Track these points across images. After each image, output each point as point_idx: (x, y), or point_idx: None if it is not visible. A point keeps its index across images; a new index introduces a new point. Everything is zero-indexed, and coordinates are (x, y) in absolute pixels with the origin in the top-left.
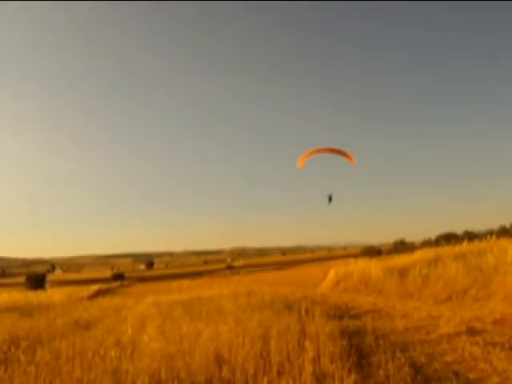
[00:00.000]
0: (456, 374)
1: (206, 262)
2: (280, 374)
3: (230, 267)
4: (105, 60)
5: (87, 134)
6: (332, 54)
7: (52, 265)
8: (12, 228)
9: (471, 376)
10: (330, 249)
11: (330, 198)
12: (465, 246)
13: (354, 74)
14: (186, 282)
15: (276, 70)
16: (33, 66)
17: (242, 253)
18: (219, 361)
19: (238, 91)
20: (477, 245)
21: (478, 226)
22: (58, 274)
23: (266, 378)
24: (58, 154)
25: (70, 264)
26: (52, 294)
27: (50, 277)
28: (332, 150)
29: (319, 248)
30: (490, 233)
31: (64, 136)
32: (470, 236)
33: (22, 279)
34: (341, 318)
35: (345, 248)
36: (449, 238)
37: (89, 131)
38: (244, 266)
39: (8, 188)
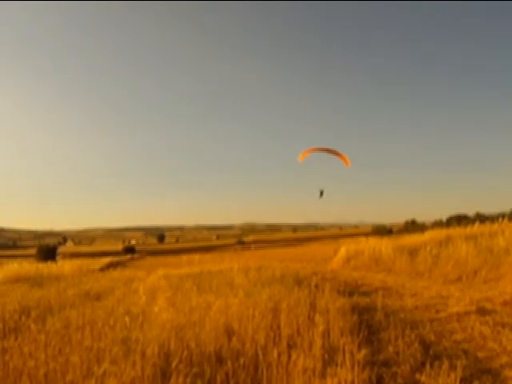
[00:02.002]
0: (465, 352)
1: (218, 237)
2: (290, 346)
3: (240, 242)
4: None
5: (99, 108)
6: None
7: (63, 237)
8: (24, 200)
9: (480, 355)
10: (341, 227)
11: (322, 193)
12: (476, 228)
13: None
14: (196, 256)
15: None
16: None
17: (252, 228)
18: (229, 332)
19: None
20: (488, 227)
21: (490, 209)
22: (69, 246)
23: (275, 350)
24: (69, 127)
25: (81, 237)
26: (63, 266)
27: (61, 249)
28: (329, 151)
29: (330, 226)
30: (502, 215)
31: (77, 110)
32: (482, 218)
33: (33, 251)
34: (351, 294)
35: (356, 226)
36: (460, 220)
37: (102, 106)
38: (255, 242)
39: (20, 160)
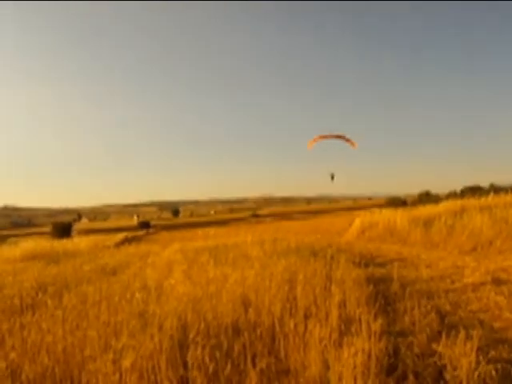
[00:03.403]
0: (481, 322)
1: (231, 210)
2: (306, 317)
3: (255, 215)
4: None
5: (116, 79)
6: None
7: (78, 214)
8: (38, 178)
9: (496, 325)
10: (355, 199)
11: (332, 177)
12: (490, 199)
13: None
14: (211, 230)
15: None
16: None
17: (267, 201)
18: (245, 304)
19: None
20: (502, 198)
21: (504, 180)
22: (84, 222)
23: (292, 321)
24: (83, 102)
25: (96, 213)
26: (78, 242)
27: (76, 226)
28: (337, 136)
29: (344, 198)
30: None
31: (91, 84)
32: (496, 189)
33: (48, 228)
34: (366, 265)
35: (370, 198)
36: (474, 191)
37: (120, 77)
38: (269, 215)
39: (34, 137)
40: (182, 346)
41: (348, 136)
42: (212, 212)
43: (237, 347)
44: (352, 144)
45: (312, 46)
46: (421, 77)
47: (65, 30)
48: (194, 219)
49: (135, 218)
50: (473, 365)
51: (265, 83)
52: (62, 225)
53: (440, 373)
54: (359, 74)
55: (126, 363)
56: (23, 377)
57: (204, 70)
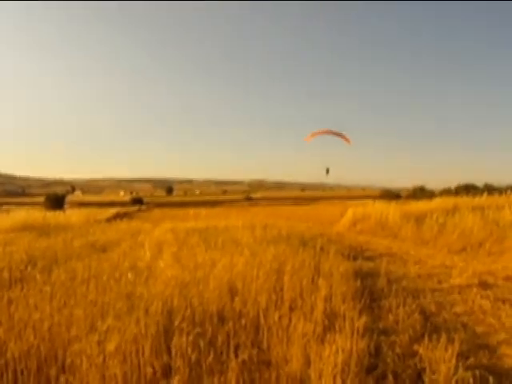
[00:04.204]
0: (464, 326)
1: (224, 192)
2: (292, 309)
3: (248, 198)
4: None
5: (116, 54)
6: None
7: (72, 186)
8: (35, 148)
9: (479, 330)
10: (349, 189)
11: (328, 171)
12: (484, 199)
13: None
14: (203, 211)
15: None
16: None
17: (260, 185)
18: (232, 292)
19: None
20: (495, 199)
21: (499, 180)
22: (77, 195)
23: (277, 313)
24: (78, 75)
25: (89, 186)
26: (70, 215)
27: (69, 198)
28: (332, 133)
29: (338, 187)
30: (511, 188)
31: (90, 57)
32: (490, 189)
33: (41, 199)
34: (355, 258)
35: (364, 189)
36: (468, 189)
37: (117, 51)
38: (262, 199)
39: (30, 108)
40: (167, 331)
41: (344, 133)
42: (197, 192)
43: (221, 337)
44: (347, 140)
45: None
46: (421, 72)
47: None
48: (187, 198)
49: (121, 193)
50: (452, 370)
51: (264, 69)
52: (56, 196)
53: (419, 375)
54: (355, 64)
55: (111, 347)
56: (8, 354)
57: (209, 46)
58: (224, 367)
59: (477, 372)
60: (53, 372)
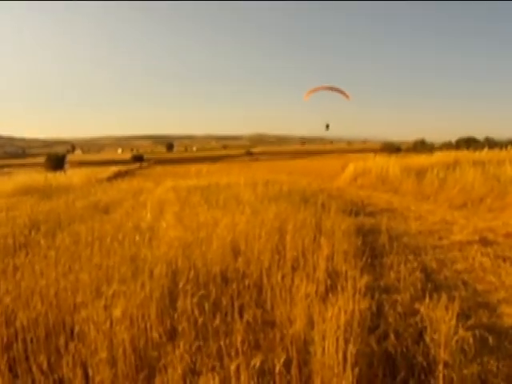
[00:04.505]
0: (465, 283)
1: (225, 147)
2: (294, 269)
3: (248, 153)
4: None
5: (108, 16)
6: None
7: (72, 145)
8: (32, 108)
9: (479, 287)
10: (349, 142)
11: (328, 126)
12: (484, 153)
13: None
14: (204, 167)
15: None
16: None
17: (261, 139)
18: (235, 252)
19: None
20: (496, 153)
21: (500, 134)
22: (77, 154)
23: (280, 272)
24: (81, 36)
25: (90, 145)
26: (71, 176)
27: (69, 157)
28: (331, 88)
29: (339, 140)
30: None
31: (86, 20)
32: (491, 143)
33: (42, 159)
34: (357, 214)
35: (364, 142)
36: (469, 143)
37: (114, 13)
38: (263, 153)
39: (30, 67)
40: (172, 294)
41: (342, 89)
42: (194, 148)
43: (225, 298)
44: (346, 96)
45: None
46: (421, 23)
47: None
48: (188, 154)
49: (119, 151)
50: (452, 330)
51: (263, 21)
52: (56, 156)
53: (420, 334)
54: (355, 18)
55: (117, 312)
56: (17, 323)
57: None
58: (229, 328)
59: (477, 332)
60: (61, 340)
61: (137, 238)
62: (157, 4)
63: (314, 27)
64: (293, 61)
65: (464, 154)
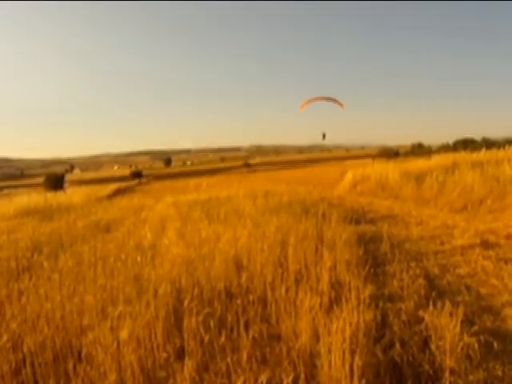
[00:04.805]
0: (468, 288)
1: (222, 160)
2: (298, 281)
3: (247, 165)
4: None
5: (107, 31)
6: None
7: (70, 165)
8: (30, 129)
9: (482, 291)
10: (347, 149)
11: (324, 136)
12: (482, 154)
13: None
14: (204, 180)
15: None
16: None
17: (259, 150)
18: (238, 267)
19: None
20: (494, 154)
21: (496, 131)
22: (76, 173)
23: (283, 286)
24: (75, 54)
25: (88, 163)
26: (71, 195)
27: (68, 177)
28: (325, 98)
29: (336, 147)
30: (509, 141)
31: (85, 34)
32: (488, 143)
33: (40, 180)
34: (357, 222)
35: (362, 148)
36: (466, 144)
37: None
38: (261, 164)
39: (26, 88)
40: (177, 312)
41: (337, 98)
42: (188, 163)
43: (230, 314)
44: (340, 105)
45: None
46: (415, 27)
47: None
48: (186, 168)
49: (116, 167)
50: (457, 337)
51: (258, 30)
52: (55, 176)
53: (426, 342)
54: (353, 24)
55: (124, 334)
56: (25, 348)
57: (203, 17)
58: (235, 345)
59: (481, 337)
60: (70, 363)
61: (139, 257)
62: (151, 20)
63: (309, 37)
64: (288, 70)
65: (462, 156)
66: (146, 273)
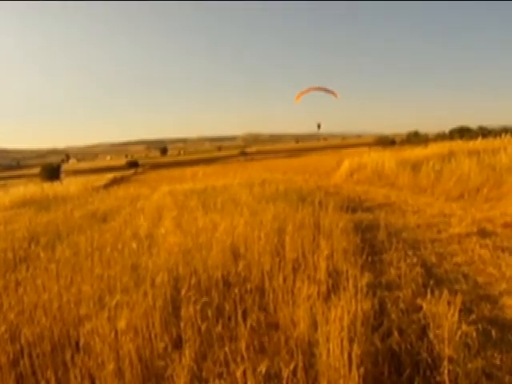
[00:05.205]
0: (465, 276)
1: (219, 148)
2: (295, 270)
3: (243, 153)
4: None
5: (103, 20)
6: None
7: (66, 155)
8: (26, 119)
9: (480, 280)
10: (343, 137)
11: (319, 126)
12: (478, 143)
13: None
14: (200, 169)
15: None
16: None
17: (255, 139)
18: (235, 256)
19: None
20: (491, 142)
21: (492, 121)
22: (72, 163)
23: (281, 275)
24: (71, 43)
25: (84, 153)
26: (68, 185)
27: (64, 166)
28: (320, 89)
29: (333, 136)
30: (505, 130)
31: (81, 24)
32: (484, 132)
33: (37, 170)
34: (354, 210)
35: (358, 136)
36: (462, 133)
37: (104, 19)
38: (257, 153)
39: (21, 78)
40: (175, 301)
41: (330, 88)
42: (181, 152)
43: (227, 303)
44: (334, 95)
45: None
46: (410, 13)
47: None
48: (182, 158)
49: (108, 158)
50: (455, 325)
51: (255, 19)
52: (51, 166)
53: (424, 330)
54: (347, 13)
55: (122, 323)
56: (23, 339)
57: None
58: (233, 334)
59: (479, 326)
60: (68, 353)
61: (136, 246)
62: (148, 11)
63: (304, 26)
64: (284, 59)
65: (458, 145)
66: (143, 262)
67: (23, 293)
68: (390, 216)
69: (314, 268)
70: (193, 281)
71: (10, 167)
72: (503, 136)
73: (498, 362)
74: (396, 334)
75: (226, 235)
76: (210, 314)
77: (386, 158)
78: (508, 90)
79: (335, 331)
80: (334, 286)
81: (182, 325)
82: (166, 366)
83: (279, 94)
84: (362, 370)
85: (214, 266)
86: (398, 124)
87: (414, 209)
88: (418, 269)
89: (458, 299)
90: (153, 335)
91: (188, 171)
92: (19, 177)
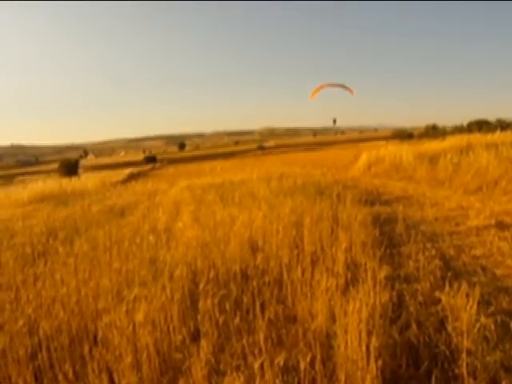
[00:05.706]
0: (484, 268)
1: (236, 143)
2: (313, 262)
3: (261, 148)
4: None
5: (119, 17)
6: None
7: (84, 150)
8: (44, 115)
9: (498, 272)
10: (361, 130)
11: (335, 121)
12: (497, 136)
13: None
14: (218, 164)
15: None
16: None
17: (272, 133)
18: (253, 249)
19: None
20: (509, 135)
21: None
22: (90, 159)
23: (299, 267)
24: (88, 40)
25: (102, 148)
26: (86, 181)
27: (82, 162)
28: (336, 85)
29: (350, 129)
30: None
31: (97, 21)
32: (503, 125)
33: (55, 166)
34: (372, 203)
35: (376, 130)
36: (481, 125)
37: (120, 16)
38: (275, 147)
39: (39, 75)
40: (193, 295)
41: (346, 84)
42: (200, 147)
43: (245, 296)
44: (350, 91)
45: None
46: (428, 7)
47: None
48: (200, 152)
49: (122, 153)
50: (473, 317)
51: (271, 15)
52: (69, 162)
53: (442, 323)
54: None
55: (140, 316)
56: (41, 332)
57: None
58: (251, 327)
59: (498, 318)
60: (86, 347)
61: (154, 240)
62: (164, 6)
63: (322, 20)
64: (301, 54)
65: (476, 138)
66: (161, 256)
67: (41, 287)
68: (408, 209)
69: (332, 261)
70: (211, 274)
71: (29, 163)
72: None
73: None
74: (414, 326)
75: (244, 229)
76: (227, 306)
77: (404, 152)
78: None
79: (353, 323)
80: (352, 279)
81: (199, 318)
82: (183, 359)
83: (296, 87)
84: (379, 362)
85: (232, 259)
86: (415, 117)
87: (431, 202)
88: (437, 261)
89: (477, 292)
90: (171, 328)
91: (206, 166)
92: (38, 172)
